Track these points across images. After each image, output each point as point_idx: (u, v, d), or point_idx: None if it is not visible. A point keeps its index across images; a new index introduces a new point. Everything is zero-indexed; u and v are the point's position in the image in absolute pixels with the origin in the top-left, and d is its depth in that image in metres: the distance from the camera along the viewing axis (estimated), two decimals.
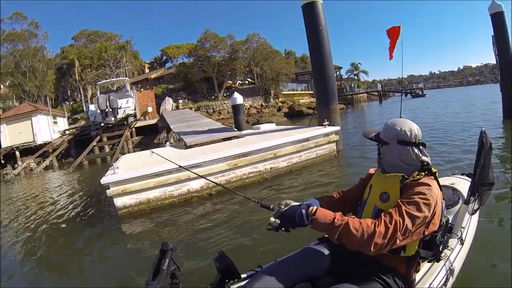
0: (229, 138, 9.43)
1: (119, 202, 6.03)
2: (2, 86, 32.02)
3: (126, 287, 3.38)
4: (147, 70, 46.54)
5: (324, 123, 8.66)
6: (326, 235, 1.82)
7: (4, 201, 10.45)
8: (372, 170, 2.15)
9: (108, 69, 33.67)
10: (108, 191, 5.92)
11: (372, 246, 1.52)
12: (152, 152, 6.60)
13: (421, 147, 1.85)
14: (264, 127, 11.54)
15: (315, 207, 1.66)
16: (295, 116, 29.63)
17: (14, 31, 31.99)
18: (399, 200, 1.65)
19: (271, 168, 7.52)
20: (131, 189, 6.04)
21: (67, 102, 36.79)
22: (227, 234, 4.47)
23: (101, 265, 4.38)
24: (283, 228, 1.67)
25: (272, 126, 11.83)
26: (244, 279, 1.83)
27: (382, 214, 1.62)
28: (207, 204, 6.19)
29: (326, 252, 1.84)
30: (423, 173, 1.80)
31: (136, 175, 6.03)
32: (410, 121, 1.90)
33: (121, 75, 32.20)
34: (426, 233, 1.67)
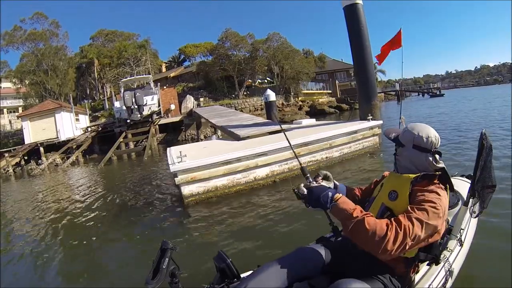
0: (279, 131, 9.33)
1: (186, 190, 5.99)
2: (21, 85, 32.36)
3: (126, 287, 3.24)
4: (164, 69, 46.56)
5: (368, 117, 8.86)
6: (326, 235, 2.12)
7: (45, 193, 10.38)
8: (387, 173, 2.15)
9: (129, 67, 33.64)
10: (176, 179, 5.83)
11: (381, 250, 1.51)
12: (213, 141, 6.49)
13: (436, 155, 1.84)
14: (305, 122, 11.66)
15: (340, 195, 1.70)
16: (317, 115, 29.13)
17: (35, 31, 32.12)
18: (409, 206, 1.65)
19: (326, 157, 7.81)
20: (200, 177, 6.00)
21: (85, 101, 37.02)
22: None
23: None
24: (304, 201, 1.77)
25: (312, 121, 11.99)
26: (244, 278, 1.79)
27: (392, 219, 1.60)
28: (272, 192, 6.24)
29: (321, 251, 1.85)
30: (436, 180, 1.75)
31: (206, 163, 6.01)
32: (430, 127, 1.89)
33: (141, 73, 32.13)
34: (431, 240, 1.68)
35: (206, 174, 6.04)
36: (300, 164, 2.00)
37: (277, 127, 9.89)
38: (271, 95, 15.28)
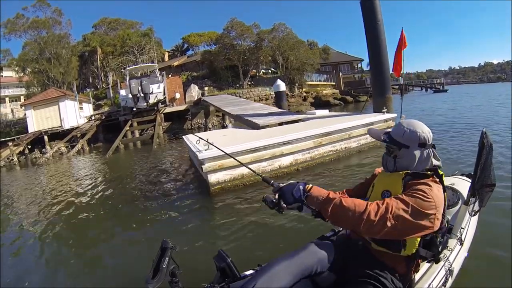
0: (296, 121, 9.78)
1: (213, 178, 5.98)
2: (23, 73, 32.02)
3: (126, 287, 3.17)
4: (166, 58, 46.20)
5: (383, 110, 8.99)
6: (326, 234, 2.11)
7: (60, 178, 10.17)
8: (378, 170, 2.16)
9: (132, 56, 33.34)
10: (203, 167, 5.81)
11: (363, 224, 1.53)
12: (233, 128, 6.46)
13: (433, 148, 1.89)
14: (319, 112, 11.71)
15: (311, 185, 1.71)
16: (322, 106, 28.93)
17: (38, 19, 31.56)
18: (398, 194, 1.67)
19: (345, 147, 7.93)
20: (227, 165, 5.99)
21: (88, 90, 36.70)
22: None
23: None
24: (277, 207, 1.71)
25: (326, 112, 12.09)
26: (244, 277, 1.78)
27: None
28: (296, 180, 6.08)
29: (330, 248, 1.82)
30: (429, 174, 1.78)
31: (234, 151, 5.93)
32: (419, 121, 1.93)
33: (145, 62, 31.83)
34: (425, 232, 1.63)
35: (234, 162, 5.87)
36: (259, 174, 1.98)
37: (295, 117, 10.20)
38: (281, 85, 15.39)
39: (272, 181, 1.84)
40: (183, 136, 8.87)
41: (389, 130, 2.01)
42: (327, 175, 6.46)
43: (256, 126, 9.34)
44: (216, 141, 6.18)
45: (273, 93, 28.51)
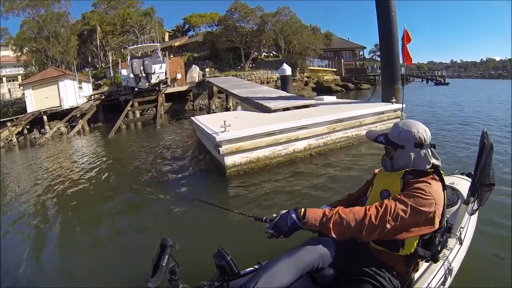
0: (307, 106, 9.73)
1: (229, 160, 5.94)
2: (21, 52, 31.39)
3: (125, 287, 3.09)
4: (167, 38, 45.59)
5: (392, 100, 9.00)
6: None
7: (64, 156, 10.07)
8: (377, 171, 2.14)
9: (133, 35, 32.83)
10: (220, 149, 5.74)
11: (364, 230, 1.56)
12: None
13: (432, 148, 1.87)
14: (327, 98, 11.68)
15: (303, 209, 1.68)
16: (324, 92, 28.79)
17: None
18: (396, 194, 1.68)
19: (356, 135, 7.93)
20: (245, 147, 6.00)
21: (86, 69, 36.19)
22: None
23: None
24: (282, 236, 1.70)
25: (333, 98, 12.11)
26: (244, 275, 1.77)
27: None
28: (309, 165, 6.39)
29: (330, 243, 1.80)
30: (429, 171, 1.79)
31: (251, 133, 6.02)
32: (418, 122, 1.91)
33: (145, 41, 31.39)
34: (424, 231, 1.65)
35: (252, 145, 6.02)
36: (250, 215, 1.94)
37: (306, 102, 10.24)
38: (287, 69, 15.31)
39: (264, 218, 1.83)
40: (192, 118, 8.72)
41: (387, 131, 2.00)
42: (339, 162, 6.43)
43: (267, 110, 9.31)
44: (232, 124, 6.16)
45: (274, 77, 28.64)
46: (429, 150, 1.84)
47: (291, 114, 8.28)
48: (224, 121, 5.82)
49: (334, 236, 1.61)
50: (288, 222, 1.65)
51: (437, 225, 1.66)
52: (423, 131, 1.83)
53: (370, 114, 8.10)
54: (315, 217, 1.63)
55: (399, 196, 1.63)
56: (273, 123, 6.58)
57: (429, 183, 1.66)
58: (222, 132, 5.75)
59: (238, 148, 5.90)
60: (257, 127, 6.22)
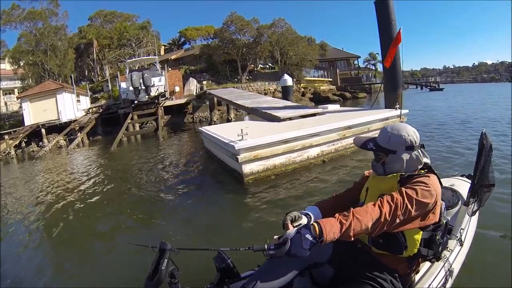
0: (314, 114, 9.89)
1: (247, 168, 6.03)
2: (17, 65, 31.26)
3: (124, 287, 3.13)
4: (162, 52, 45.78)
5: (396, 106, 9.04)
6: None
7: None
8: (367, 173, 2.13)
9: (130, 48, 32.93)
10: (239, 157, 5.83)
11: (379, 227, 1.55)
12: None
13: (422, 149, 1.88)
14: (331, 107, 11.76)
15: (316, 225, 1.51)
16: (321, 102, 29.05)
17: (34, 10, 30.86)
18: (400, 187, 1.68)
19: None
20: (262, 155, 6.10)
21: (83, 82, 36.12)
22: None
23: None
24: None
25: (337, 107, 12.18)
26: (244, 278, 1.75)
27: (384, 196, 1.63)
28: (323, 170, 6.55)
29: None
30: (423, 171, 1.83)
31: (268, 141, 6.12)
32: (405, 124, 1.93)
33: (142, 55, 31.45)
34: (427, 222, 1.68)
35: (268, 152, 6.15)
36: (249, 248, 1.61)
37: (312, 110, 10.35)
38: (288, 80, 15.70)
39: (266, 246, 1.54)
40: (200, 128, 8.74)
41: (375, 136, 1.97)
42: (350, 167, 6.58)
43: (276, 119, 9.41)
44: (247, 133, 6.23)
45: (272, 88, 28.85)
46: (420, 151, 1.85)
47: (300, 122, 8.40)
48: (241, 130, 5.88)
49: (352, 239, 1.54)
50: (304, 245, 1.47)
51: (437, 216, 1.71)
52: (412, 134, 1.84)
53: (377, 120, 8.25)
54: (333, 230, 1.49)
55: (404, 189, 1.63)
56: (286, 131, 6.68)
57: (428, 176, 1.70)
58: (239, 140, 5.82)
59: (256, 156, 6.00)
60: (273, 135, 6.32)
